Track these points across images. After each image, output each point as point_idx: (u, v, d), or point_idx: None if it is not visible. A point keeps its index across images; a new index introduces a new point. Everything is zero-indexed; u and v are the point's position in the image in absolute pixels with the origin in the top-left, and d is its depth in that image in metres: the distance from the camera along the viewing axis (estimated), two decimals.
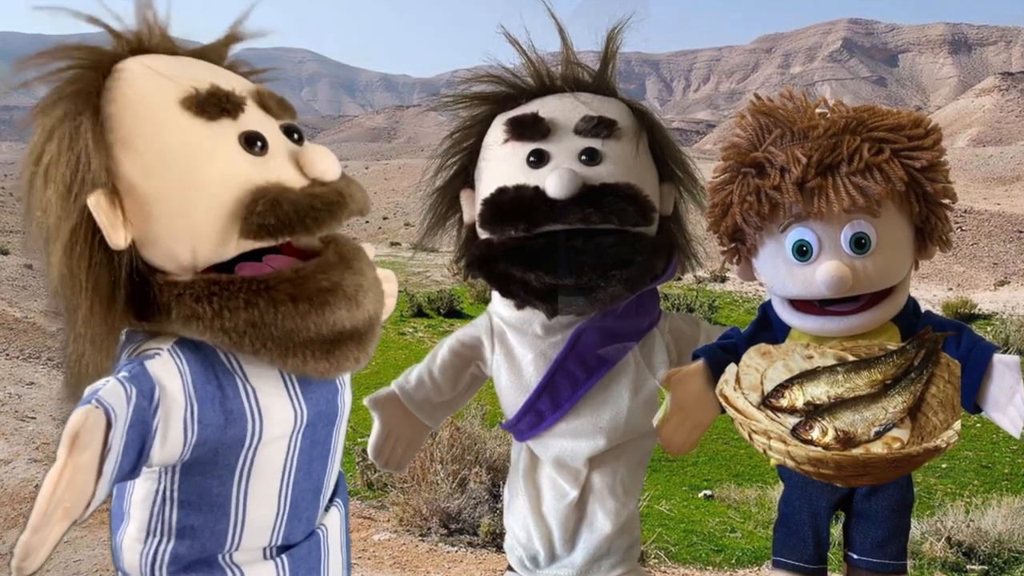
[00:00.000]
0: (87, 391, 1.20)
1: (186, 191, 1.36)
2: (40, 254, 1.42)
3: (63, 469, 1.08)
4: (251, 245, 1.39)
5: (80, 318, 1.36)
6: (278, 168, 1.43)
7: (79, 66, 1.41)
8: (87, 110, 1.36)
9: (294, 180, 1.43)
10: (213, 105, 1.40)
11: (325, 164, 1.46)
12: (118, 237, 1.35)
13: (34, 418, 8.06)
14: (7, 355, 12.11)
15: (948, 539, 6.43)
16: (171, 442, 1.32)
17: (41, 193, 1.37)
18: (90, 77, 1.40)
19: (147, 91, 1.40)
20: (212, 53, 1.61)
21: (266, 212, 1.36)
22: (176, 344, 1.40)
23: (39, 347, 12.82)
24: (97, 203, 1.33)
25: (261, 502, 1.49)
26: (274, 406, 1.46)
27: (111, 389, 1.20)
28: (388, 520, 6.23)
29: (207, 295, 1.36)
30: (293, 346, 1.39)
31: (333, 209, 1.43)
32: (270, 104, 1.52)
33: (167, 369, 1.34)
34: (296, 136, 1.53)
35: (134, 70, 1.43)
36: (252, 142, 1.42)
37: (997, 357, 1.65)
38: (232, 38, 1.65)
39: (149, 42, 1.51)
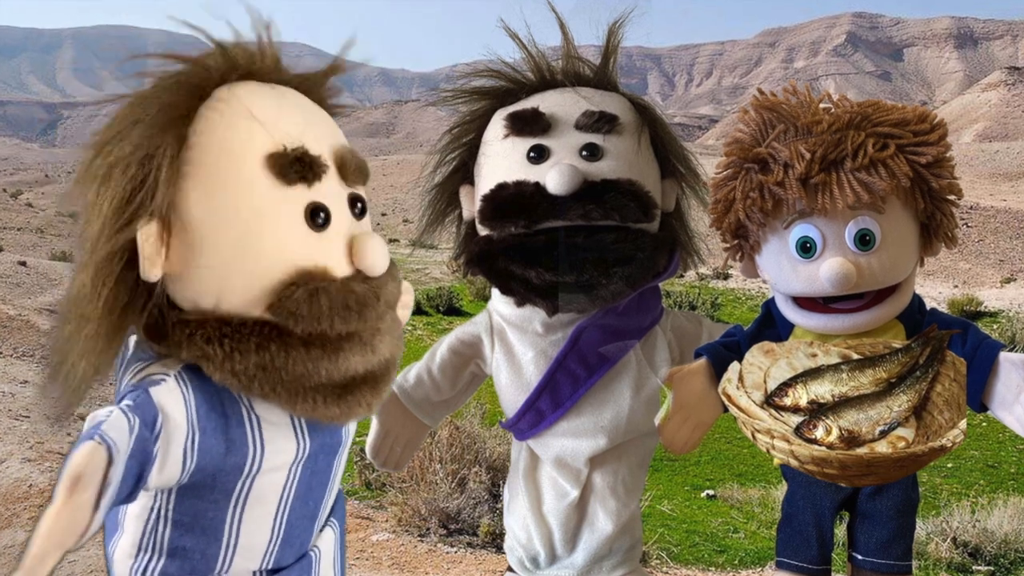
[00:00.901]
0: (89, 422, 1.18)
1: (236, 250, 1.35)
2: (74, 248, 1.39)
3: (61, 510, 1.06)
4: (273, 320, 1.37)
5: (86, 333, 1.33)
6: (331, 248, 1.42)
7: (182, 82, 1.38)
8: (173, 134, 1.33)
9: (340, 266, 1.42)
10: (295, 172, 1.38)
11: (375, 259, 1.44)
12: (154, 271, 1.33)
13: (28, 417, 8.06)
14: (1, 353, 12.11)
15: (954, 539, 6.42)
16: (169, 468, 1.31)
17: (94, 190, 1.33)
18: (188, 99, 1.37)
19: (237, 136, 1.37)
20: (314, 82, 1.58)
21: (301, 301, 1.35)
22: (183, 369, 1.38)
23: (33, 345, 12.81)
24: (147, 233, 1.31)
25: (255, 528, 1.49)
26: (277, 437, 1.45)
27: (114, 422, 1.18)
28: (386, 520, 6.23)
29: (218, 337, 1.35)
30: (303, 391, 1.38)
31: (364, 312, 1.41)
32: (348, 170, 1.49)
33: (172, 396, 1.33)
34: (360, 207, 1.51)
35: (232, 105, 1.39)
36: (316, 216, 1.40)
37: (1003, 355, 1.65)
38: (335, 69, 1.62)
39: (258, 68, 1.48)
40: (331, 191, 1.44)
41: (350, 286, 1.41)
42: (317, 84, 1.58)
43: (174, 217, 1.33)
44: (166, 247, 1.34)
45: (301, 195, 1.39)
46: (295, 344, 1.37)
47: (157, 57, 1.43)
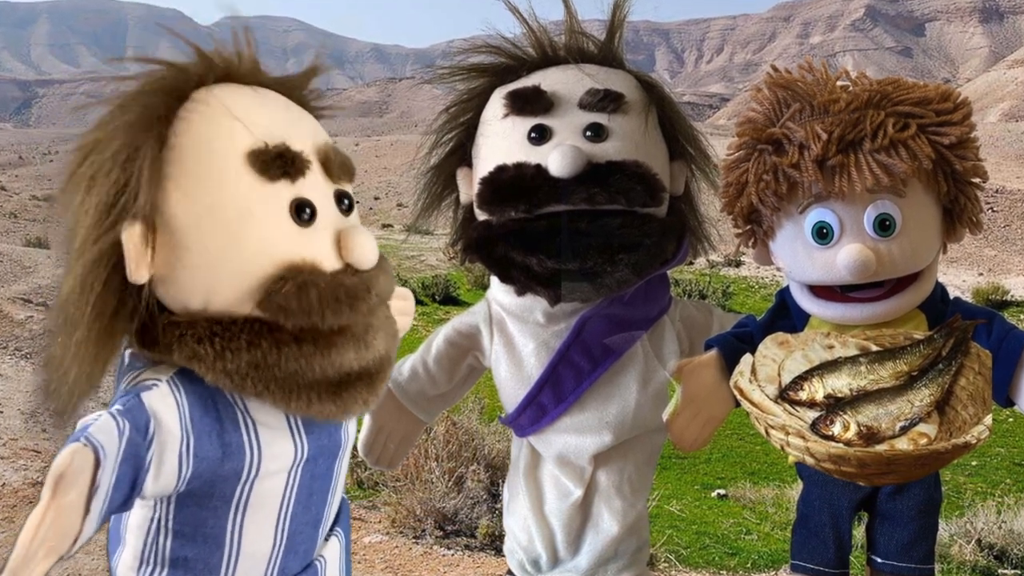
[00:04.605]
0: (79, 425, 1.23)
1: (222, 248, 1.39)
2: (61, 256, 1.44)
3: (46, 511, 1.10)
4: (263, 316, 1.41)
5: (76, 338, 1.38)
6: (318, 243, 1.46)
7: (160, 86, 1.43)
8: (152, 135, 1.38)
9: (328, 260, 1.46)
10: (277, 167, 1.43)
11: (363, 252, 1.48)
12: (140, 273, 1.38)
13: (1, 412, 8.07)
14: None
15: (978, 541, 6.44)
16: (165, 475, 1.35)
17: (79, 197, 1.39)
18: (166, 101, 1.42)
19: (217, 134, 1.42)
20: (294, 85, 1.64)
21: (290, 296, 1.39)
22: (176, 375, 1.43)
23: (7, 337, 12.81)
24: (131, 235, 1.35)
25: (257, 535, 1.53)
26: (274, 440, 1.49)
27: (103, 425, 1.22)
28: (380, 521, 6.24)
29: (209, 336, 1.39)
30: (297, 388, 1.43)
31: (355, 304, 1.46)
32: (332, 167, 1.54)
33: (164, 401, 1.37)
34: (346, 203, 1.55)
35: (211, 105, 1.45)
36: (302, 211, 1.44)
37: None
38: (315, 70, 1.69)
39: (236, 71, 1.53)
40: (316, 187, 1.49)
41: (339, 279, 1.45)
42: (297, 87, 1.65)
43: (158, 218, 1.38)
44: (152, 249, 1.38)
45: (285, 191, 1.44)
46: (287, 340, 1.41)
47: (134, 60, 1.50)
